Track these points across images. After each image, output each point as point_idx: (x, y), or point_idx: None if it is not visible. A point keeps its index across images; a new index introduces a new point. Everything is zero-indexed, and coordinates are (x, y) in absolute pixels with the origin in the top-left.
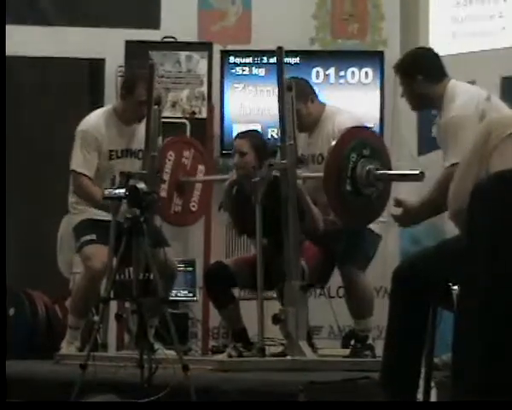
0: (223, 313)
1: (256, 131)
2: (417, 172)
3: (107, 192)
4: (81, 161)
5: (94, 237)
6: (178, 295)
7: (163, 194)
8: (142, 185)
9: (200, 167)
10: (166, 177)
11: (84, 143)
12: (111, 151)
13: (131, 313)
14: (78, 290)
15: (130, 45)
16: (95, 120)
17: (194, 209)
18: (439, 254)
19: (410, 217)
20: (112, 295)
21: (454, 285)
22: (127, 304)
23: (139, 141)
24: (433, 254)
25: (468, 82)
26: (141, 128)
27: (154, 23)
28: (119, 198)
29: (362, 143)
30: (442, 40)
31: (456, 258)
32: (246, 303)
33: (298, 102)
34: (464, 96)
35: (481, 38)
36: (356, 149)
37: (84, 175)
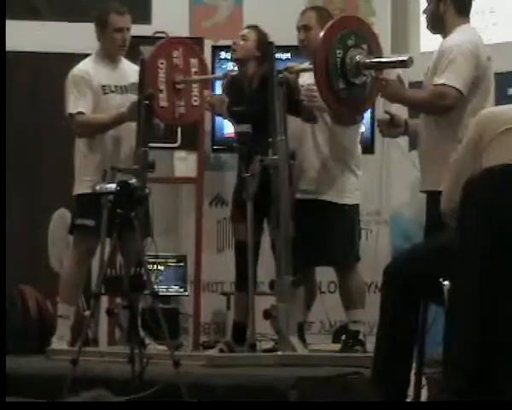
0: (238, 297)
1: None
2: (405, 58)
3: (98, 187)
4: (74, 102)
5: (92, 223)
6: (170, 290)
7: (164, 103)
8: (133, 180)
9: (193, 61)
10: (163, 86)
11: (74, 85)
12: (103, 86)
13: (122, 309)
14: (66, 274)
15: None
16: (82, 64)
17: (196, 103)
18: (430, 251)
19: (391, 89)
20: (103, 290)
21: (445, 281)
22: (118, 299)
23: (129, 76)
24: (425, 250)
25: None
26: (128, 65)
27: (146, 18)
28: (109, 193)
29: (347, 34)
30: (433, 35)
31: (447, 254)
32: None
33: (317, 27)
34: (472, 39)
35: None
36: (341, 42)
37: (81, 113)
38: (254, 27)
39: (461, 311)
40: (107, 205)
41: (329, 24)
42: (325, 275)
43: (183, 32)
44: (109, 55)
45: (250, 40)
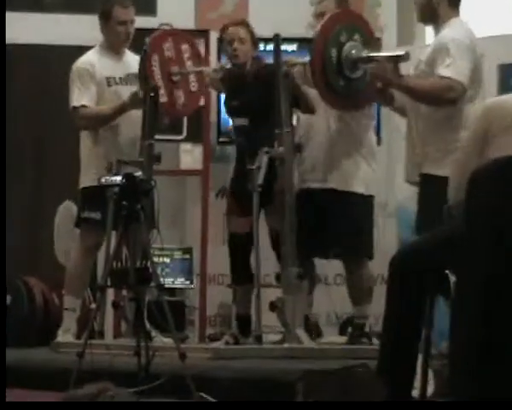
0: (238, 291)
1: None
2: (403, 53)
3: (103, 180)
4: (78, 95)
5: (98, 216)
6: (175, 282)
7: (164, 99)
8: (138, 173)
9: (184, 46)
10: (161, 82)
11: (78, 78)
12: (108, 78)
13: (128, 301)
14: (72, 267)
15: None
16: (85, 56)
17: (194, 89)
18: (436, 243)
19: (387, 73)
20: (109, 283)
21: (451, 273)
22: (124, 292)
23: (133, 67)
24: (431, 242)
25: None
26: (132, 56)
27: (151, 10)
28: (115, 186)
29: (338, 31)
30: None
31: (453, 246)
32: None
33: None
34: (468, 34)
35: (479, 25)
36: (334, 40)
37: (84, 106)
38: (246, 25)
39: (466, 303)
40: (112, 198)
41: (319, 27)
42: (332, 267)
43: (189, 23)
44: (113, 48)
45: (247, 41)
